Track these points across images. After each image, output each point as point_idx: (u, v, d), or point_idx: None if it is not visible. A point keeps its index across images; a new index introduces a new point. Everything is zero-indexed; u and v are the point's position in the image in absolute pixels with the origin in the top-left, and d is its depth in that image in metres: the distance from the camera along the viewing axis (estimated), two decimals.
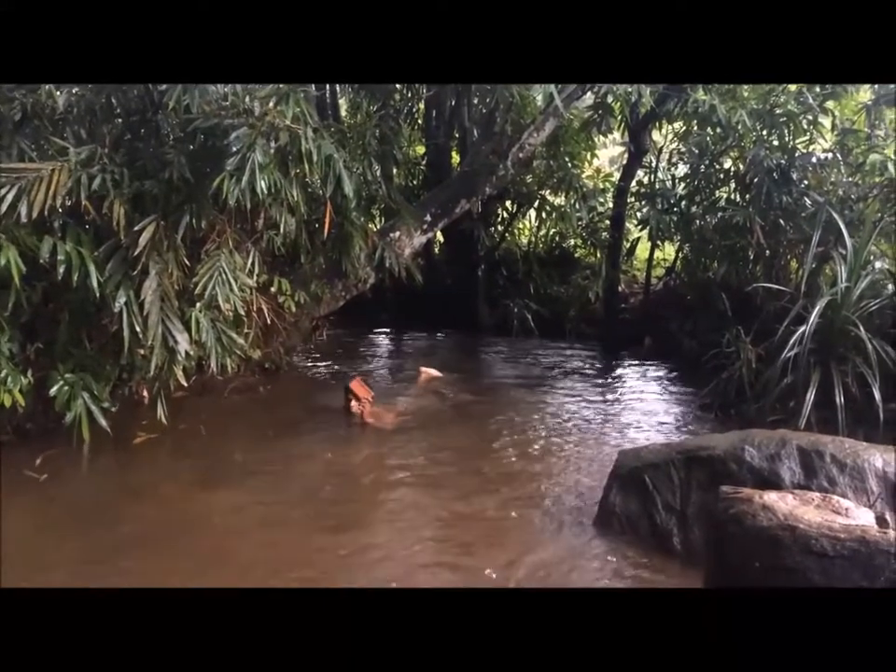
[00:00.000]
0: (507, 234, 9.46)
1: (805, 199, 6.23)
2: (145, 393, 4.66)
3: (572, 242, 9.41)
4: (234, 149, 4.15)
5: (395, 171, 8.00)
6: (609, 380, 6.85)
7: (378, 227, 7.21)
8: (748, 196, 6.75)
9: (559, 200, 8.73)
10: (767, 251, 6.53)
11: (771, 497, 2.88)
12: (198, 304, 4.38)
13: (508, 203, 9.09)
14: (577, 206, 8.39)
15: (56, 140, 4.07)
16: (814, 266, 5.55)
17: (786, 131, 6.52)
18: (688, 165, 7.94)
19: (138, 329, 4.10)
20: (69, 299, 4.22)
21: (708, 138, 7.37)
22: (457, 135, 8.58)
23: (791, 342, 4.90)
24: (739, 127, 6.46)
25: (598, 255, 8.92)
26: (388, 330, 8.82)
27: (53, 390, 4.03)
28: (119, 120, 4.60)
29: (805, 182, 6.36)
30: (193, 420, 5.09)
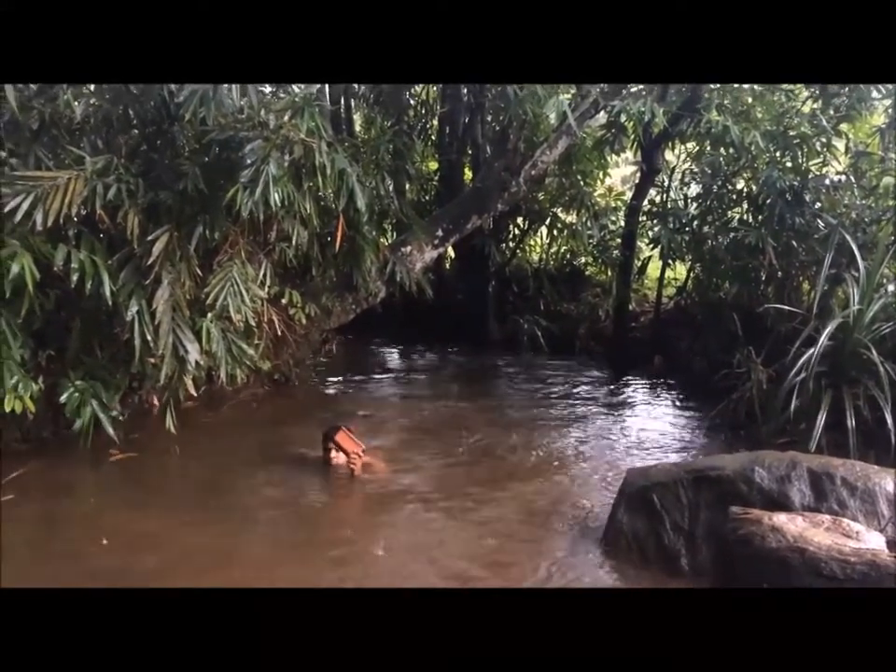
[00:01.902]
0: (518, 251, 9.47)
1: (818, 221, 6.21)
2: (155, 401, 4.66)
3: (583, 259, 9.41)
4: (249, 162, 4.18)
5: (407, 186, 8.04)
6: (618, 398, 6.82)
7: (390, 241, 7.24)
8: (760, 217, 6.73)
9: (571, 217, 8.74)
10: (779, 272, 6.51)
11: (781, 518, 2.86)
12: (209, 315, 4.40)
13: (519, 220, 9.11)
14: (588, 224, 8.40)
15: (73, 149, 4.11)
16: (826, 288, 5.52)
17: (799, 152, 6.51)
18: (700, 185, 7.93)
19: (149, 337, 4.12)
20: (82, 307, 4.24)
21: (721, 159, 7.37)
22: (470, 152, 8.61)
23: (802, 363, 4.87)
24: (752, 148, 6.45)
25: (609, 273, 8.92)
26: (397, 346, 8.82)
27: (64, 397, 4.05)
28: (136, 131, 4.64)
29: (819, 204, 6.34)
30: (172, 438, 4.67)
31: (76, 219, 3.94)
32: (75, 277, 3.84)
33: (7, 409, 3.75)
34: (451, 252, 8.98)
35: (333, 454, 4.65)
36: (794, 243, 6.33)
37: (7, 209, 3.58)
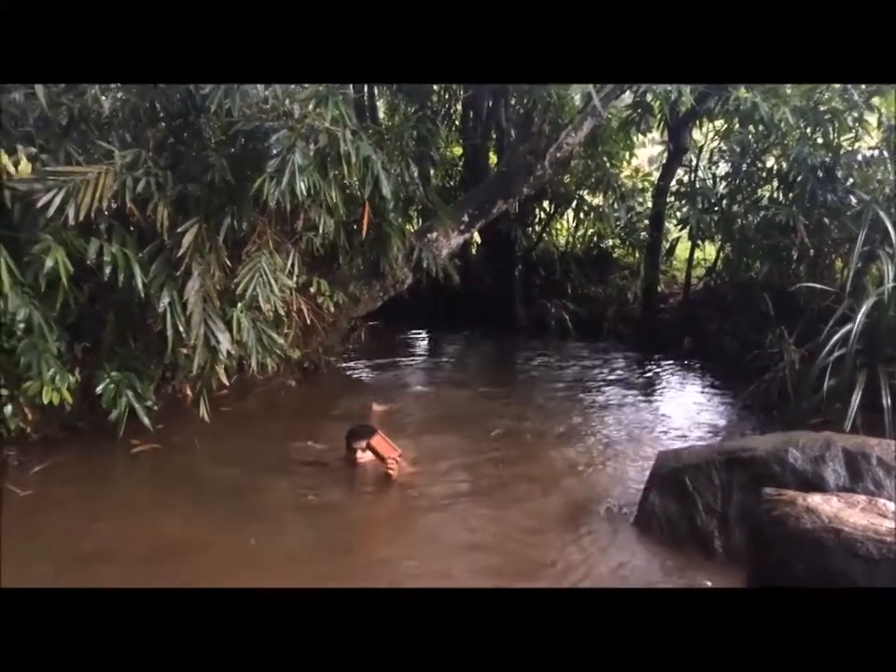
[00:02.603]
0: (544, 234, 9.41)
1: (851, 197, 6.08)
2: (188, 391, 4.72)
3: (610, 242, 9.33)
4: (274, 152, 4.20)
5: (432, 172, 8.03)
6: (648, 381, 6.78)
7: (415, 228, 7.24)
8: (791, 194, 6.62)
9: (597, 200, 8.67)
10: (811, 250, 6.41)
11: (815, 499, 2.83)
12: (239, 305, 4.44)
13: (545, 204, 9.04)
14: (615, 206, 8.33)
15: (102, 144, 4.15)
16: (859, 265, 5.41)
17: (830, 128, 6.37)
18: (729, 164, 7.80)
19: (181, 328, 4.18)
20: (115, 299, 4.31)
21: (750, 136, 7.23)
22: (495, 136, 8.55)
23: (836, 342, 4.80)
24: (782, 125, 6.33)
25: (637, 255, 8.85)
26: (424, 332, 8.84)
27: (100, 388, 4.13)
28: (163, 124, 4.68)
29: (851, 180, 6.21)
30: (201, 428, 4.70)
31: (106, 213, 3.99)
32: (107, 270, 3.90)
33: (46, 400, 3.83)
34: (477, 237, 8.95)
35: (360, 454, 4.46)
36: (826, 220, 6.22)
37: (39, 204, 3.63)
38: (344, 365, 6.87)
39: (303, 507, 4.02)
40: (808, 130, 6.52)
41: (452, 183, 9.27)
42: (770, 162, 7.28)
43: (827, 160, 6.18)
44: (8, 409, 3.94)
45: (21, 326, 3.73)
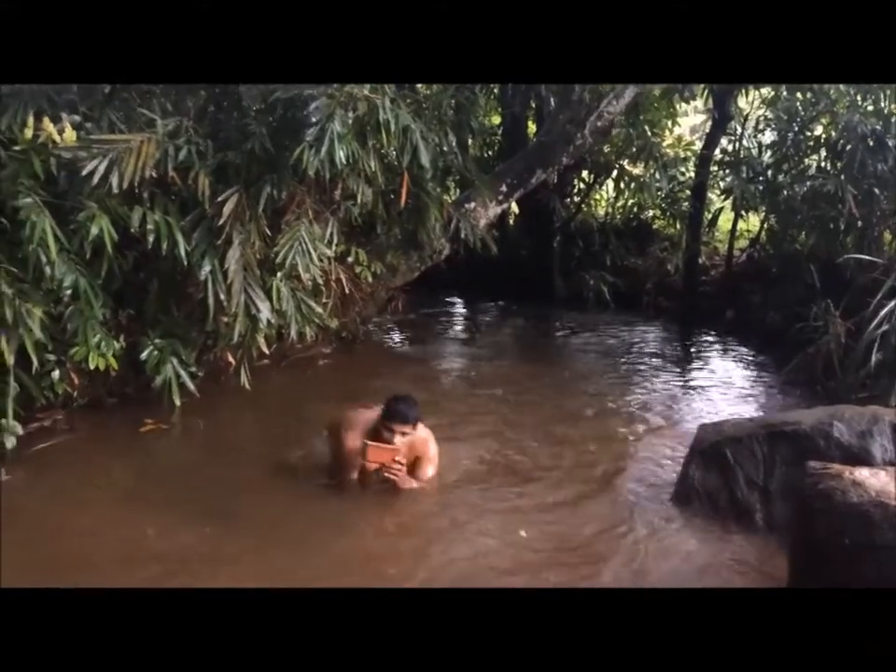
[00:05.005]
0: (583, 205, 9.30)
1: None
2: (230, 359, 4.78)
3: (651, 213, 9.18)
4: (314, 120, 4.18)
5: (470, 141, 7.94)
6: (689, 353, 6.70)
7: (453, 198, 7.19)
8: (839, 164, 6.44)
9: (638, 169, 8.50)
10: (859, 221, 6.23)
11: (863, 473, 2.77)
12: (279, 274, 4.46)
13: (584, 174, 8.92)
14: (657, 176, 8.15)
15: (144, 112, 4.18)
16: None
17: (882, 95, 6.18)
18: (776, 132, 7.62)
19: (222, 297, 4.21)
20: (158, 267, 4.36)
21: (798, 104, 7.05)
22: (534, 104, 8.43)
23: (884, 316, 4.68)
24: (832, 92, 6.16)
25: (678, 226, 8.68)
26: (461, 303, 8.82)
27: (144, 354, 4.19)
28: (203, 93, 4.69)
29: None
30: (212, 409, 4.65)
31: (149, 181, 4.02)
32: (151, 238, 3.93)
33: (92, 366, 3.90)
34: (515, 208, 8.87)
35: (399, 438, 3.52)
36: (876, 190, 6.03)
37: (84, 172, 3.67)
38: (382, 335, 6.89)
39: None
40: (858, 97, 6.33)
41: (490, 152, 9.19)
42: (818, 131, 7.09)
43: (878, 128, 5.99)
44: (56, 374, 4.03)
45: (68, 292, 3.79)
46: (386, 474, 3.48)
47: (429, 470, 3.75)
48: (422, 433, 3.71)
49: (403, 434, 3.50)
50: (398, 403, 3.53)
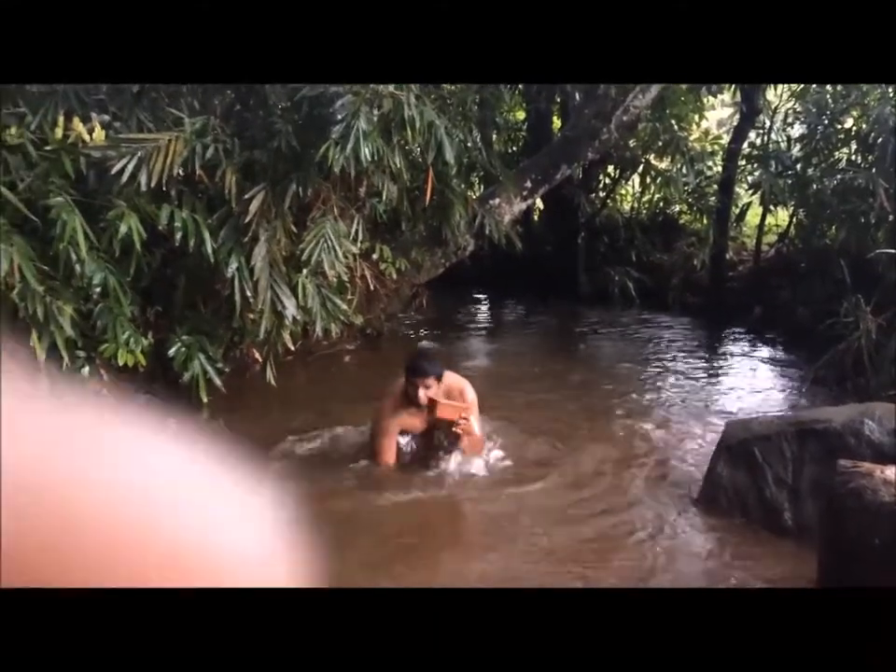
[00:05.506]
0: (608, 200, 9.22)
1: None
2: (256, 356, 4.82)
3: (677, 208, 9.08)
4: (339, 117, 4.20)
5: (495, 137, 7.93)
6: (716, 350, 6.63)
7: (478, 194, 7.17)
8: (870, 157, 6.35)
9: (664, 164, 8.42)
10: (891, 216, 6.12)
11: (894, 471, 2.73)
12: (304, 270, 4.49)
13: (610, 169, 8.83)
14: (684, 171, 8.08)
15: (172, 111, 4.22)
16: None
17: None
18: (805, 125, 7.50)
19: (249, 294, 4.25)
20: (185, 265, 4.41)
21: (828, 96, 6.94)
22: (559, 99, 8.37)
23: None
24: (862, 84, 6.05)
25: (705, 221, 8.58)
26: (486, 299, 8.80)
27: (172, 351, 4.24)
28: (229, 91, 4.73)
29: None
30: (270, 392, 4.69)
31: (177, 179, 4.06)
32: (178, 236, 3.97)
33: (121, 362, 3.95)
34: (539, 203, 8.84)
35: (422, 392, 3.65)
36: None
37: (113, 171, 3.72)
38: (407, 332, 6.90)
39: None
40: (890, 90, 6.21)
41: (514, 148, 9.14)
42: (848, 123, 6.97)
43: None
44: (86, 370, 4.09)
45: (98, 290, 3.84)
46: (455, 430, 3.62)
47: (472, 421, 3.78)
48: (458, 383, 3.86)
49: (427, 387, 3.63)
50: (418, 358, 3.81)
